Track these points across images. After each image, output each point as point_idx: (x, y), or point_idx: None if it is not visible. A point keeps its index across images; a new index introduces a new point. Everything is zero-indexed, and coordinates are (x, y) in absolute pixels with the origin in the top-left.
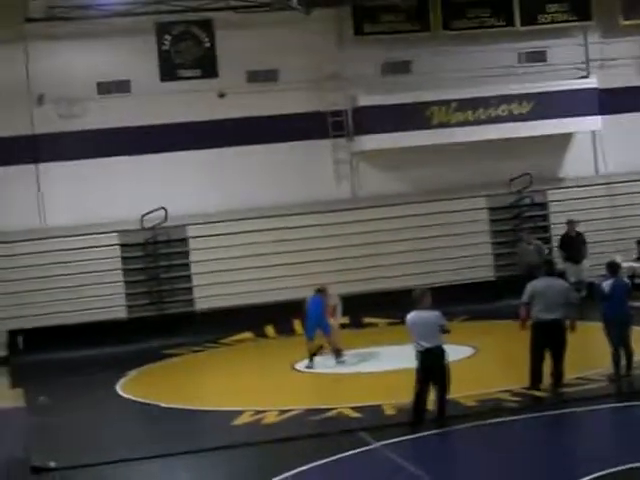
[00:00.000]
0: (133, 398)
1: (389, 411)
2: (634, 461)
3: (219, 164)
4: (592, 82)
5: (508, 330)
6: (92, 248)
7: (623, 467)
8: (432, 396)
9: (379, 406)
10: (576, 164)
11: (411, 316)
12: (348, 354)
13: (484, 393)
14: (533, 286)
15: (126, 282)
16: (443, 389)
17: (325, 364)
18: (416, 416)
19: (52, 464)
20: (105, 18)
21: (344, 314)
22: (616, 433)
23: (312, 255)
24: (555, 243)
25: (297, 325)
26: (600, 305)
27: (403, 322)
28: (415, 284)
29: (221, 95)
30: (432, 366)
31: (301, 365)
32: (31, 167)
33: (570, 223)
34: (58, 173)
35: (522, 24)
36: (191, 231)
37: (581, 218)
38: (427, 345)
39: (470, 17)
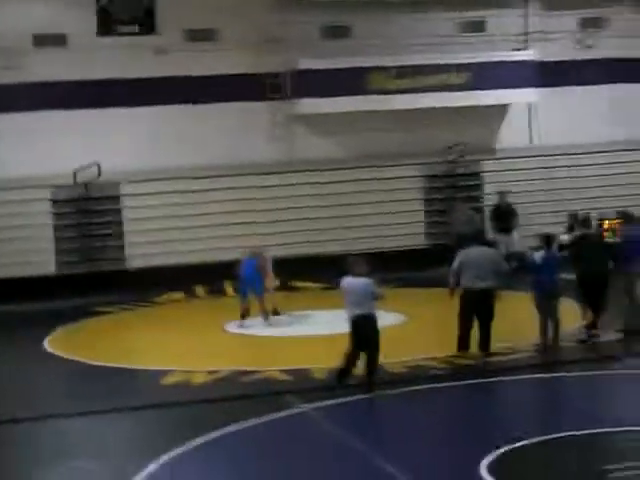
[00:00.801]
0: (61, 355)
1: (318, 375)
2: (556, 431)
3: (155, 122)
4: (530, 54)
5: (438, 298)
6: (24, 202)
7: (545, 437)
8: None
9: (308, 369)
10: (511, 135)
11: (345, 282)
12: (278, 317)
13: (412, 360)
14: (463, 255)
15: (57, 238)
16: (373, 356)
17: (255, 326)
18: (339, 378)
19: None
20: None
21: (276, 277)
22: (540, 403)
23: (245, 217)
24: (487, 213)
25: (228, 286)
26: (530, 276)
27: (334, 287)
28: (347, 249)
29: (159, 52)
30: (363, 332)
31: (232, 326)
32: None
33: (501, 194)
34: None
35: None
36: (124, 188)
37: (515, 189)
38: (359, 312)
39: None
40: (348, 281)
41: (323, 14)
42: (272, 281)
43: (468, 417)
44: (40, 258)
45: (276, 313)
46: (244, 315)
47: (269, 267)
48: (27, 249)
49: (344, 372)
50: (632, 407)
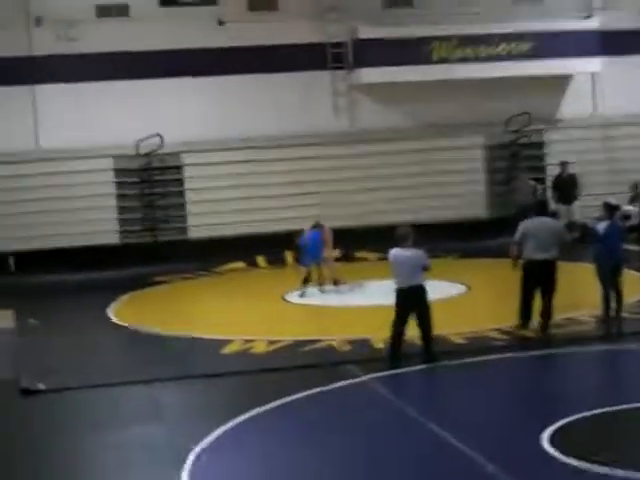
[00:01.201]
0: (123, 323)
1: (378, 344)
2: (619, 403)
3: (217, 92)
4: (594, 23)
5: (500, 268)
6: (87, 172)
7: (608, 409)
8: (415, 332)
9: (368, 339)
10: (574, 105)
11: (394, 254)
12: (338, 287)
13: (474, 330)
14: (525, 225)
15: (120, 207)
16: (428, 327)
17: (315, 295)
18: (392, 362)
19: (41, 386)
20: None
21: (336, 247)
22: (603, 375)
23: (306, 187)
24: (549, 183)
25: (288, 256)
26: (594, 247)
27: None
28: (408, 219)
29: (221, 23)
30: (414, 304)
31: (292, 296)
32: (27, 88)
33: (563, 164)
34: (55, 95)
35: None
36: (186, 159)
37: (577, 159)
38: (410, 283)
39: None
40: (398, 252)
41: None
42: (331, 251)
43: (529, 389)
44: (104, 227)
45: (337, 283)
46: (306, 281)
47: (329, 238)
48: (91, 219)
49: (395, 353)
50: None
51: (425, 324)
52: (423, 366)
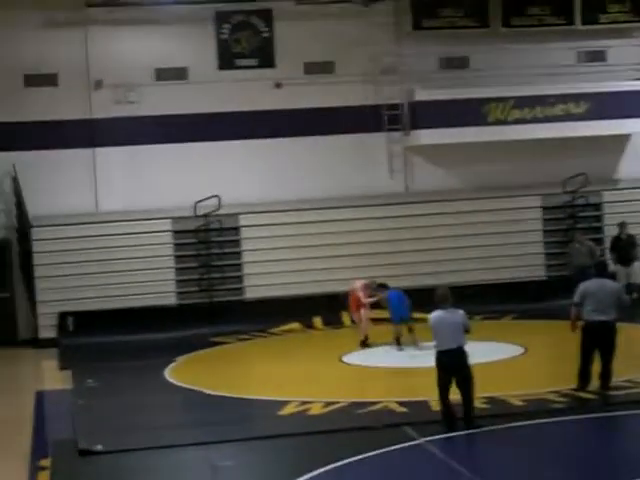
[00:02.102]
0: (180, 384)
1: (435, 406)
2: None
3: (274, 154)
4: None
5: (558, 330)
6: (145, 234)
7: None
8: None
9: (425, 401)
10: (632, 166)
11: (436, 315)
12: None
13: (532, 393)
14: (584, 287)
15: (177, 269)
16: (469, 391)
17: (374, 356)
18: (448, 415)
19: (99, 447)
20: (165, 5)
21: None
22: None
23: (363, 248)
24: (608, 245)
25: (345, 317)
26: None
27: None
28: (465, 280)
29: (278, 85)
30: (456, 366)
31: (349, 357)
32: (87, 151)
33: (621, 225)
34: (113, 158)
35: (583, 23)
36: (243, 220)
37: (636, 220)
38: (451, 345)
39: (530, 14)
40: (440, 314)
41: (440, 45)
42: (368, 312)
43: (590, 452)
44: (161, 289)
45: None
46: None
47: (366, 297)
48: (149, 280)
49: (449, 416)
50: None
51: (466, 388)
52: (481, 429)
